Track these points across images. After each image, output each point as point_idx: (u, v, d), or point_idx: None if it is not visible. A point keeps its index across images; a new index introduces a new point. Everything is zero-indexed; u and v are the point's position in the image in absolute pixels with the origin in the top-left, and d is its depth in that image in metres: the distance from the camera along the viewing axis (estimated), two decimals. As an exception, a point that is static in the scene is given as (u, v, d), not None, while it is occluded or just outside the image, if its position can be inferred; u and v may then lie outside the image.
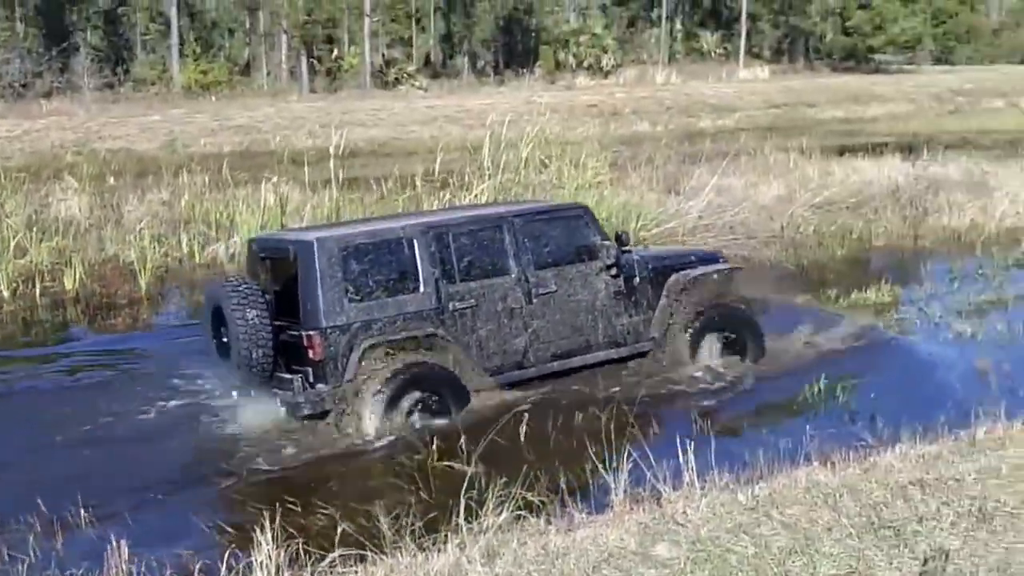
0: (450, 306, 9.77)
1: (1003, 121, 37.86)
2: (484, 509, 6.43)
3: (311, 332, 9.22)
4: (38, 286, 15.00)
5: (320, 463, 8.93)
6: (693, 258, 11.60)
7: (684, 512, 6.08)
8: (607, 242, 10.63)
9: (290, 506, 7.39)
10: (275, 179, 16.99)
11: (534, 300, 10.20)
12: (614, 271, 10.62)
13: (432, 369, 9.53)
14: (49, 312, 14.58)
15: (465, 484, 6.73)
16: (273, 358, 9.45)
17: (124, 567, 6.06)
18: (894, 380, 10.71)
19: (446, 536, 6.20)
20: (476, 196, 15.95)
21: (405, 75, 49.50)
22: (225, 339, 9.64)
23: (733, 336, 11.01)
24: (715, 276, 11.24)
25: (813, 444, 7.75)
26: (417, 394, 9.40)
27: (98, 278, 15.31)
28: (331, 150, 15.73)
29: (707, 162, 21.13)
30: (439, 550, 5.99)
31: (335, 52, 53.07)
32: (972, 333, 11.86)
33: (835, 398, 9.76)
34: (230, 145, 34.00)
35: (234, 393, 9.98)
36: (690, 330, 10.84)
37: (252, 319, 9.32)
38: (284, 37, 51.40)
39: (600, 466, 6.97)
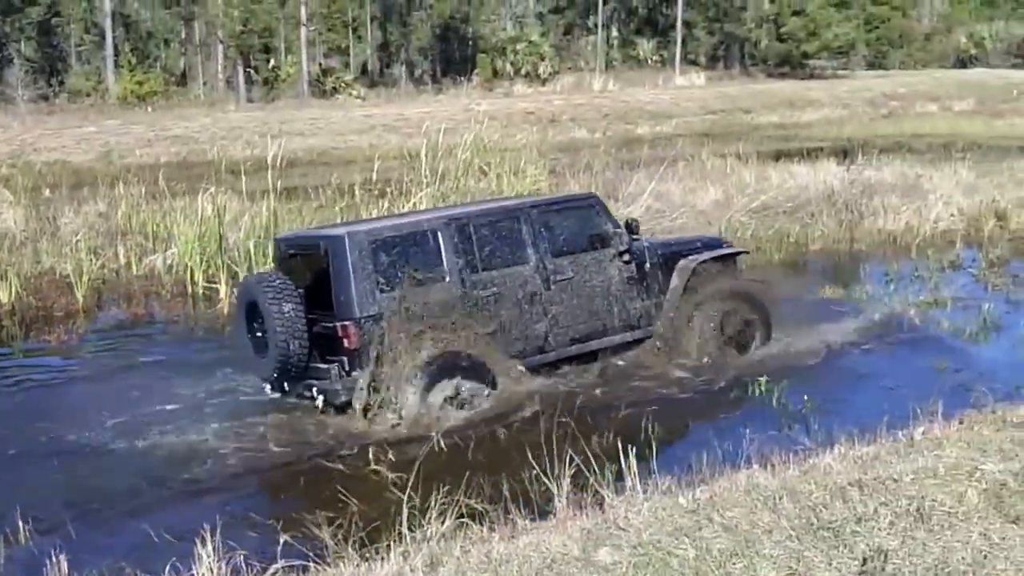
0: (474, 294, 10.22)
1: (936, 125, 38.49)
2: (427, 517, 6.41)
3: (346, 322, 9.67)
4: (-28, 301, 14.73)
5: (261, 473, 8.88)
6: (699, 243, 12.12)
7: (626, 517, 6.10)
8: (619, 230, 11.14)
9: (231, 517, 7.33)
10: (212, 189, 16.82)
11: (552, 287, 10.67)
12: (626, 257, 11.11)
13: (460, 355, 9.85)
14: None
15: (408, 492, 6.70)
16: (308, 350, 9.83)
17: (63, 582, 5.97)
18: (832, 382, 10.84)
19: (389, 545, 6.17)
20: (415, 204, 15.91)
21: (343, 84, 49.29)
22: (259, 334, 10.04)
23: (739, 311, 11.42)
24: (722, 259, 11.85)
25: (753, 446, 7.80)
26: (448, 380, 9.77)
27: (34, 291, 15.10)
28: (268, 160, 15.60)
29: (645, 168, 21.28)
30: (382, 559, 5.96)
31: (272, 62, 52.74)
32: (906, 334, 12.01)
33: (775, 400, 9.83)
34: (167, 156, 33.67)
35: (266, 387, 10.33)
36: (695, 306, 11.27)
37: (288, 312, 9.75)
38: (220, 47, 50.95)
39: (543, 472, 6.96)
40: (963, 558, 5.21)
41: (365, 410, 9.59)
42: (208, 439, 9.50)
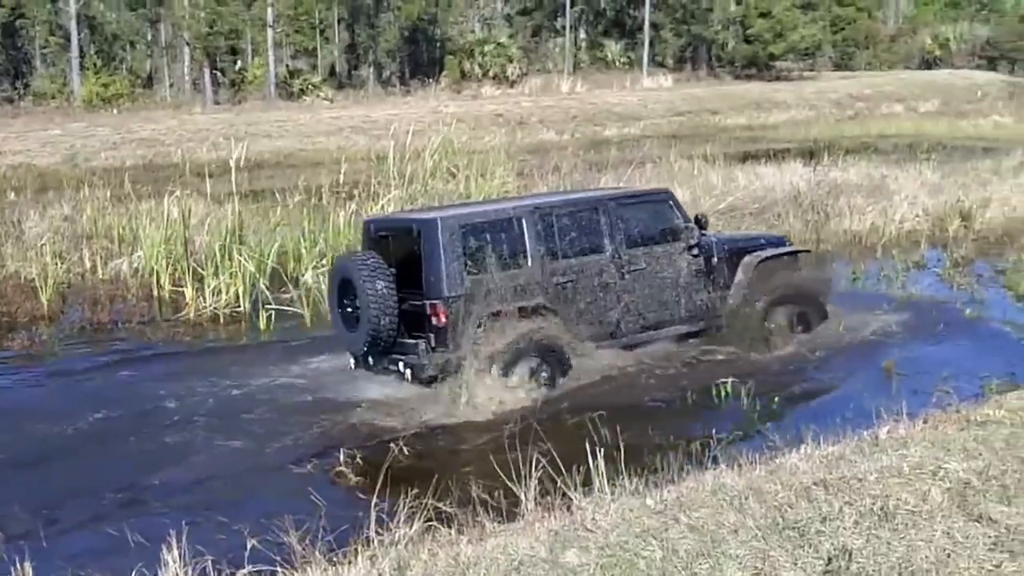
0: (553, 280, 10.81)
1: (901, 126, 38.78)
2: (395, 521, 6.40)
3: (435, 301, 10.25)
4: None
5: (229, 477, 8.84)
6: (763, 241, 12.84)
7: (594, 518, 6.11)
8: (689, 224, 11.70)
9: (199, 522, 7.29)
10: (178, 192, 16.72)
11: (626, 276, 11.27)
12: (695, 251, 11.69)
13: (540, 338, 10.44)
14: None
15: (375, 496, 6.68)
16: (398, 326, 10.41)
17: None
18: (800, 382, 10.92)
19: (357, 549, 6.16)
20: (383, 207, 15.88)
21: (310, 86, 49.10)
22: (350, 309, 10.69)
23: (801, 310, 12.07)
24: (784, 257, 12.50)
25: (720, 447, 7.85)
26: (528, 360, 10.37)
27: (-1, 296, 14.97)
28: (231, 163, 15.53)
29: (613, 170, 21.35)
30: (349, 563, 5.95)
31: (239, 63, 52.46)
32: (876, 334, 12.09)
33: (742, 400, 9.88)
34: (133, 159, 33.43)
35: (351, 361, 11.04)
36: (763, 304, 11.82)
37: (381, 289, 10.36)
38: (187, 49, 50.63)
39: (512, 475, 6.96)
40: (927, 556, 5.25)
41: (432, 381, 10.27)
42: (177, 442, 9.46)
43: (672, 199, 11.97)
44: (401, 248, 10.74)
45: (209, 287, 14.46)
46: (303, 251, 15.23)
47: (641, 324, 11.39)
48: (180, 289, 14.88)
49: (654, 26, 56.80)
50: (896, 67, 61.07)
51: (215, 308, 14.30)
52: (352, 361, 11.08)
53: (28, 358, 13.08)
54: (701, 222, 11.88)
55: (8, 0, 49.56)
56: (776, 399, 9.95)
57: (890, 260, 15.92)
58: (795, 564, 5.28)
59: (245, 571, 6.02)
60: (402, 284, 10.48)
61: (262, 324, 13.67)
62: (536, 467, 6.87)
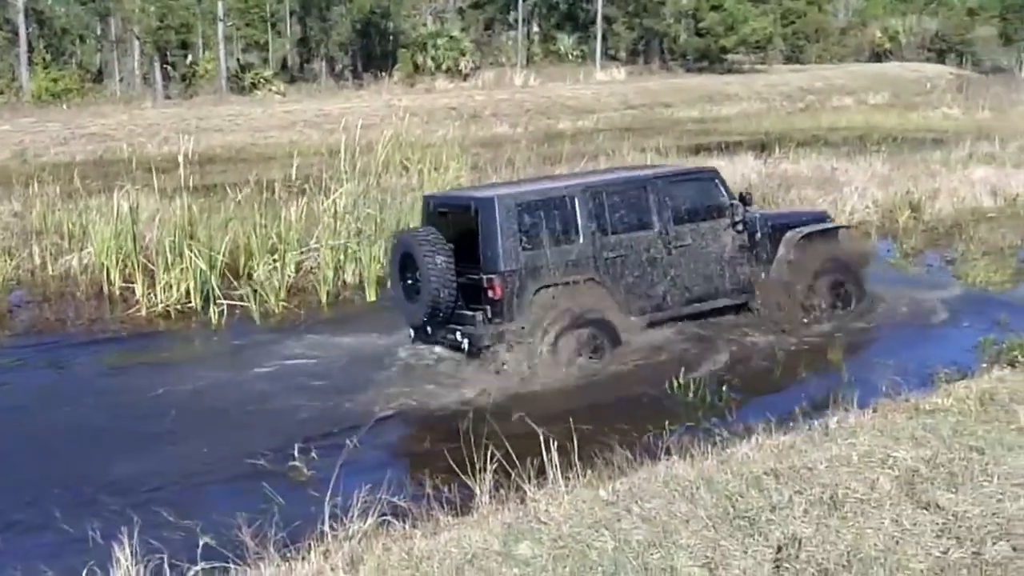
0: (604, 255, 11.28)
1: (851, 118, 39.09)
2: (349, 516, 6.38)
3: (492, 275, 10.76)
4: None
5: (181, 475, 8.76)
6: (804, 217, 13.34)
7: (547, 510, 6.13)
8: (734, 201, 12.13)
9: (151, 518, 7.22)
10: (128, 188, 16.53)
11: (673, 251, 11.72)
12: (739, 227, 12.13)
13: (591, 310, 10.98)
14: None
15: (330, 491, 6.66)
16: (456, 298, 10.92)
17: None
18: (752, 374, 10.99)
19: (310, 544, 6.13)
20: (334, 201, 15.80)
21: (262, 80, 48.75)
22: (410, 282, 11.21)
23: (842, 285, 12.53)
24: (825, 233, 12.91)
25: (673, 438, 7.88)
26: (579, 332, 10.88)
27: (-53, 293, 14.75)
28: (180, 158, 15.38)
29: (567, 163, 21.37)
30: (303, 559, 5.93)
31: (189, 58, 51.99)
32: (829, 326, 12.21)
33: (696, 392, 9.93)
34: (83, 154, 33.04)
35: (410, 332, 11.62)
36: (805, 279, 12.27)
37: (441, 263, 10.86)
38: (137, 43, 50.10)
39: (467, 468, 6.95)
40: (875, 544, 5.32)
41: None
42: (130, 439, 9.38)
43: (718, 177, 12.38)
44: (459, 224, 11.18)
45: (160, 283, 14.32)
46: (255, 246, 15.11)
47: (687, 298, 11.87)
48: (131, 285, 14.73)
49: (607, 19, 56.92)
50: (846, 60, 61.60)
51: (166, 304, 14.17)
52: (411, 332, 11.65)
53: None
54: (745, 199, 12.33)
55: (-46, -6, 48.82)
56: (728, 391, 10.00)
57: (841, 251, 16.01)
58: (745, 553, 5.33)
59: (197, 568, 5.97)
60: (459, 258, 10.95)
61: (213, 320, 13.57)
62: (491, 460, 6.87)
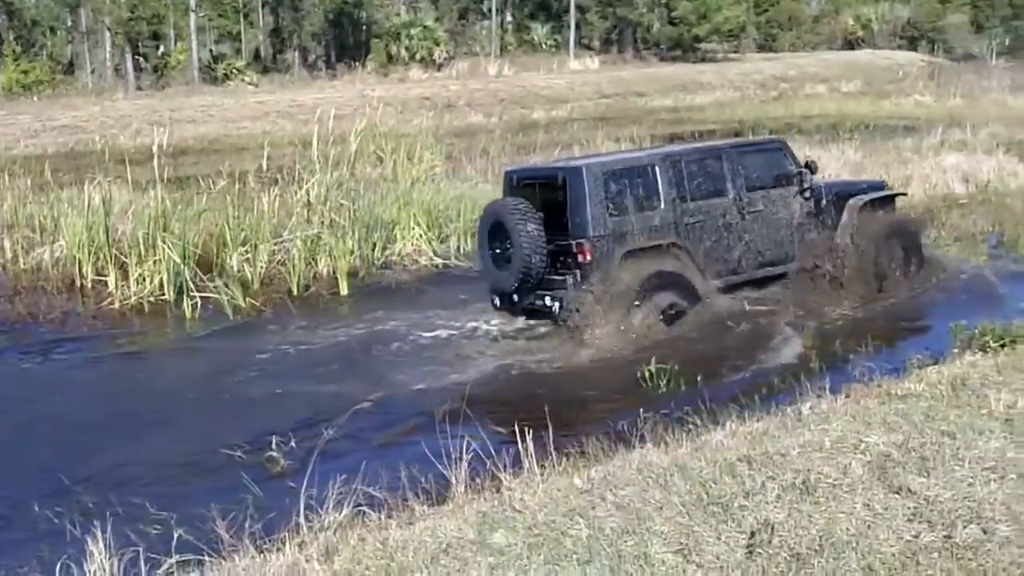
0: (684, 221, 11.87)
1: (824, 106, 39.25)
2: (324, 507, 6.37)
3: (582, 240, 11.34)
4: None
5: (157, 467, 8.72)
6: (865, 185, 13.96)
7: (522, 499, 6.14)
8: (803, 169, 12.73)
9: (125, 512, 7.19)
10: (100, 180, 16.41)
11: (746, 217, 12.31)
12: (807, 194, 12.73)
13: (673, 273, 11.60)
14: None
15: (305, 482, 6.65)
16: (546, 264, 11.45)
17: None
18: (724, 360, 11.03)
19: (285, 536, 6.12)
20: (307, 191, 15.75)
21: (235, 70, 48.50)
22: (498, 251, 11.72)
23: (905, 243, 13.16)
24: (884, 200, 13.57)
25: (647, 425, 7.91)
26: (664, 293, 11.47)
27: (-83, 287, 14.61)
28: (154, 149, 15.26)
29: (541, 152, 21.39)
30: (278, 550, 5.92)
31: (161, 49, 51.66)
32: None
33: (669, 379, 9.96)
34: (54, 146, 32.83)
35: (494, 301, 12.20)
36: (871, 239, 12.80)
37: (532, 231, 11.35)
38: (108, 34, 49.72)
39: (443, 458, 6.96)
40: (847, 528, 5.35)
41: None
42: (104, 431, 9.34)
43: (786, 147, 13.03)
44: (545, 194, 11.77)
45: (133, 276, 14.24)
46: (228, 238, 15.03)
47: (759, 261, 12.46)
48: (103, 278, 14.63)
49: (580, 8, 56.91)
50: (819, 48, 61.81)
51: (139, 297, 14.09)
52: (496, 300, 12.18)
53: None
54: (812, 167, 12.93)
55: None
56: (701, 377, 10.04)
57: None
58: (719, 539, 5.35)
59: (172, 560, 5.95)
60: (546, 227, 11.45)
61: (187, 312, 13.52)
62: (466, 450, 6.88)
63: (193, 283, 13.89)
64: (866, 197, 13.31)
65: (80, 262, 14.99)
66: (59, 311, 14.02)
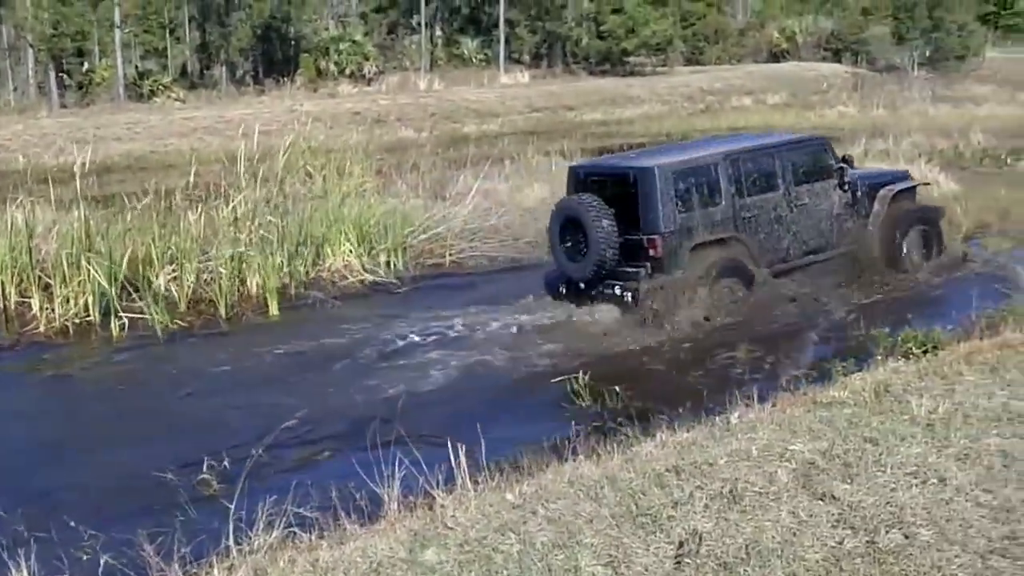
0: (741, 215, 12.86)
1: (750, 118, 39.66)
2: (255, 529, 6.32)
3: (653, 235, 12.24)
4: None
5: (85, 490, 8.59)
6: (890, 176, 15.18)
7: (454, 515, 6.14)
8: (842, 164, 13.91)
9: (50, 538, 7.07)
10: (22, 199, 16.11)
11: (794, 210, 13.35)
12: (845, 187, 13.86)
13: (735, 261, 12.68)
14: None
15: (234, 504, 6.59)
16: (619, 257, 12.32)
17: None
18: (655, 369, 11.14)
19: (213, 560, 6.06)
20: (234, 208, 15.60)
21: (161, 87, 47.89)
22: (569, 244, 12.69)
23: (929, 229, 14.45)
24: (909, 189, 14.86)
25: (580, 438, 7.95)
26: (729, 280, 12.55)
27: None
28: (76, 168, 15.03)
29: (472, 167, 21.37)
30: (206, 574, 5.86)
31: (86, 65, 50.88)
32: (726, 322, 12.42)
33: (601, 392, 10.02)
34: (-26, 166, 32.14)
35: (561, 289, 13.15)
36: (900, 226, 14.13)
37: (607, 226, 12.27)
38: (31, 51, 48.88)
39: (375, 475, 6.93)
40: (773, 536, 5.43)
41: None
42: (28, 455, 9.17)
43: (827, 143, 14.24)
44: (614, 191, 12.60)
45: (57, 297, 13.99)
46: (154, 256, 14.83)
47: (804, 250, 13.51)
48: (27, 300, 14.36)
49: (509, 23, 57.05)
50: (745, 61, 62.45)
51: (64, 318, 13.84)
52: (563, 289, 13.14)
53: None
54: (849, 161, 14.23)
55: None
56: (633, 389, 10.12)
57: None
58: (647, 550, 5.39)
59: (97, 587, 5.88)
60: (616, 221, 12.31)
61: (114, 333, 13.32)
62: (399, 467, 6.86)
63: (119, 303, 13.70)
64: (896, 187, 14.52)
65: (3, 284, 14.70)
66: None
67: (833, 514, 5.60)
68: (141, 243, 15.04)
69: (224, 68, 52.99)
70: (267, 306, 14.36)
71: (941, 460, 6.15)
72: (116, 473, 8.88)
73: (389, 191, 19.73)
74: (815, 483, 5.97)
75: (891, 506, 5.62)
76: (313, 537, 6.27)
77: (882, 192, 14.30)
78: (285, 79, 50.35)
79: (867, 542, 5.31)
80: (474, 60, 56.56)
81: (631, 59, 57.38)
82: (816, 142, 14.24)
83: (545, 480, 6.69)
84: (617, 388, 9.92)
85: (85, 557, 6.78)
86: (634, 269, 12.40)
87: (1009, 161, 23.46)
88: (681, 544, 5.35)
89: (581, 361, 11.03)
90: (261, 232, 15.27)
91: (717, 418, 7.80)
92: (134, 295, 14.02)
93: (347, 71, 50.63)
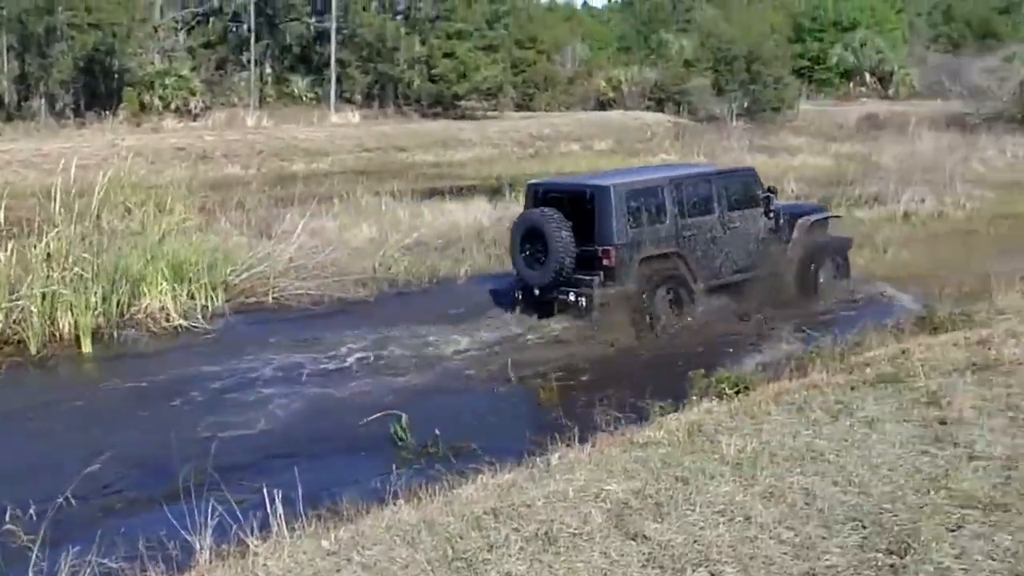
0: (683, 234, 14.43)
1: (578, 163, 40.35)
2: (56, 583, 6.05)
3: (608, 247, 13.72)
4: None
5: None
6: (808, 208, 17.37)
7: (266, 564, 5.99)
8: (769, 193, 15.56)
9: None
10: None
11: (727, 232, 14.91)
12: (770, 214, 15.51)
13: (677, 274, 14.30)
14: None
15: (34, 557, 6.30)
16: (575, 266, 13.74)
17: None
18: (464, 410, 11.20)
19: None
20: (47, 243, 14.98)
21: (-26, 118, 45.96)
22: (528, 253, 14.11)
23: (839, 258, 16.32)
24: (823, 220, 16.82)
25: (402, 482, 7.88)
26: (671, 292, 14.20)
27: None
28: None
29: (300, 205, 21.14)
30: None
31: None
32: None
33: (425, 433, 9.98)
34: None
35: (517, 295, 14.56)
36: (815, 253, 15.92)
37: (566, 237, 13.72)
38: None
39: (187, 523, 6.70)
40: (585, 577, 5.47)
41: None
42: None
43: (756, 175, 15.89)
44: (570, 206, 14.02)
45: None
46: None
47: (733, 268, 15.03)
48: None
49: (341, 63, 56.83)
50: (574, 108, 63.63)
51: None
52: (519, 295, 14.48)
53: None
54: (773, 191, 15.81)
55: None
56: (458, 429, 10.11)
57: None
58: (462, 594, 5.37)
59: None
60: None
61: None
62: (213, 513, 6.67)
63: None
64: (812, 217, 16.41)
65: None
66: None
67: (644, 553, 5.68)
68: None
69: (44, 100, 51.18)
70: (80, 346, 13.83)
71: (747, 498, 6.32)
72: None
73: (212, 228, 19.32)
74: (628, 523, 6.05)
75: (699, 544, 5.73)
76: (118, 590, 6.03)
77: (801, 220, 16.02)
78: (107, 113, 48.93)
79: (675, 581, 5.40)
80: (304, 98, 56.14)
81: (463, 103, 57.88)
82: (747, 172, 16.08)
83: (363, 526, 6.59)
84: (437, 430, 9.88)
85: None
86: (588, 277, 13.74)
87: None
88: (494, 587, 5.34)
89: (403, 399, 10.99)
90: (76, 270, 14.68)
91: (538, 459, 7.83)
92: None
93: (172, 106, 49.54)
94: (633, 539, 5.85)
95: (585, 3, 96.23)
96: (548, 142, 48.92)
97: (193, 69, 53.20)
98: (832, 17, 76.11)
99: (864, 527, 5.88)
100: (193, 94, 50.29)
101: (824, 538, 5.77)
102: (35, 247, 15.08)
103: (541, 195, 14.60)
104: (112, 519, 8.20)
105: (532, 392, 11.68)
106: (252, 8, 54.63)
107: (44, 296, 14.04)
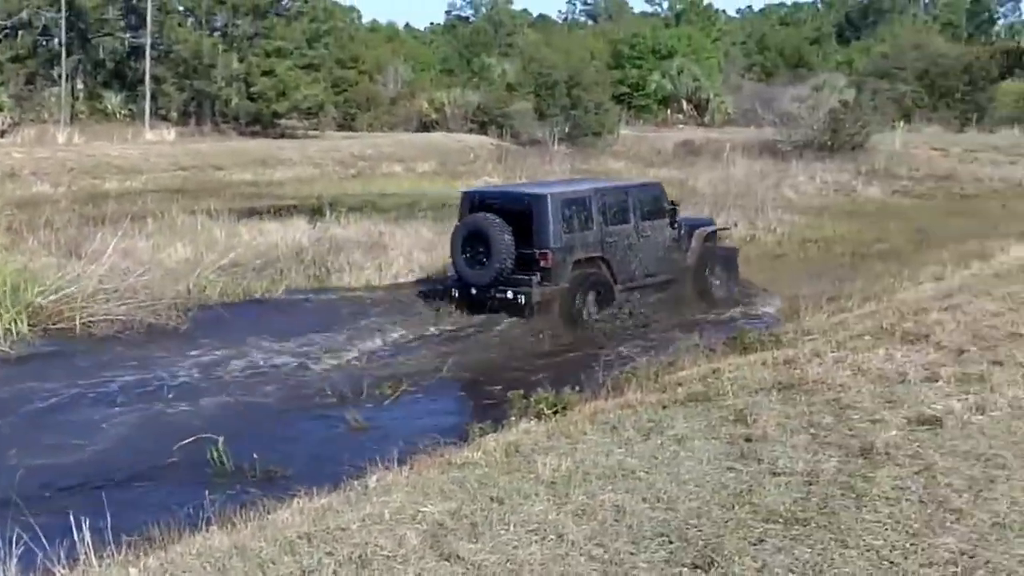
0: (606, 240, 16.28)
1: (400, 184, 40.41)
2: None
3: (545, 250, 15.42)
4: None
5: None
6: (702, 221, 19.20)
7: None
8: (674, 205, 17.68)
9: None
10: None
11: (641, 239, 16.82)
12: (675, 225, 17.48)
13: (602, 277, 16.18)
14: None
15: None
16: (513, 268, 15.33)
17: None
18: (285, 433, 11.10)
19: None
20: None
21: None
22: (469, 255, 15.65)
23: (729, 266, 18.18)
24: (717, 231, 19.26)
25: (216, 507, 7.76)
26: (596, 290, 15.99)
27: None
28: None
29: (112, 224, 20.53)
30: None
31: None
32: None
33: (243, 457, 9.83)
34: None
35: (453, 293, 16.17)
36: (709, 261, 17.91)
37: (508, 240, 15.30)
38: None
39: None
40: (400, 599, 5.49)
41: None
42: None
43: (663, 188, 18.08)
44: (508, 212, 15.59)
45: None
46: None
47: (645, 273, 16.85)
48: None
49: (156, 79, 55.44)
50: (396, 129, 63.61)
51: None
52: (455, 293, 16.09)
53: None
54: (677, 205, 17.91)
55: None
56: (275, 453, 10.01)
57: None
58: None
59: None
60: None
61: None
62: (18, 542, 6.45)
63: None
64: (707, 229, 18.49)
65: None
66: None
67: (458, 574, 5.74)
68: None
69: None
70: None
71: (560, 517, 6.45)
72: None
73: (19, 249, 18.57)
74: (443, 544, 6.10)
75: (511, 564, 5.82)
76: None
77: (698, 231, 18.05)
78: None
79: (489, 600, 5.48)
80: (118, 115, 54.56)
81: (283, 121, 57.18)
82: (656, 186, 18.09)
83: (174, 553, 6.46)
84: (255, 454, 9.76)
85: None
86: (526, 277, 15.31)
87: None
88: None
89: (223, 423, 10.82)
90: None
91: (356, 482, 7.82)
92: None
93: (-23, 122, 47.42)
94: (447, 560, 5.90)
95: (407, 24, 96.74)
96: (370, 162, 48.73)
97: (1, 84, 51.08)
98: (651, 44, 78.36)
99: (671, 542, 6.08)
100: (1, 110, 48.24)
101: (632, 553, 5.94)
102: None
103: (478, 202, 16.19)
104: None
105: (353, 414, 11.63)
106: (63, 22, 52.72)
107: None
